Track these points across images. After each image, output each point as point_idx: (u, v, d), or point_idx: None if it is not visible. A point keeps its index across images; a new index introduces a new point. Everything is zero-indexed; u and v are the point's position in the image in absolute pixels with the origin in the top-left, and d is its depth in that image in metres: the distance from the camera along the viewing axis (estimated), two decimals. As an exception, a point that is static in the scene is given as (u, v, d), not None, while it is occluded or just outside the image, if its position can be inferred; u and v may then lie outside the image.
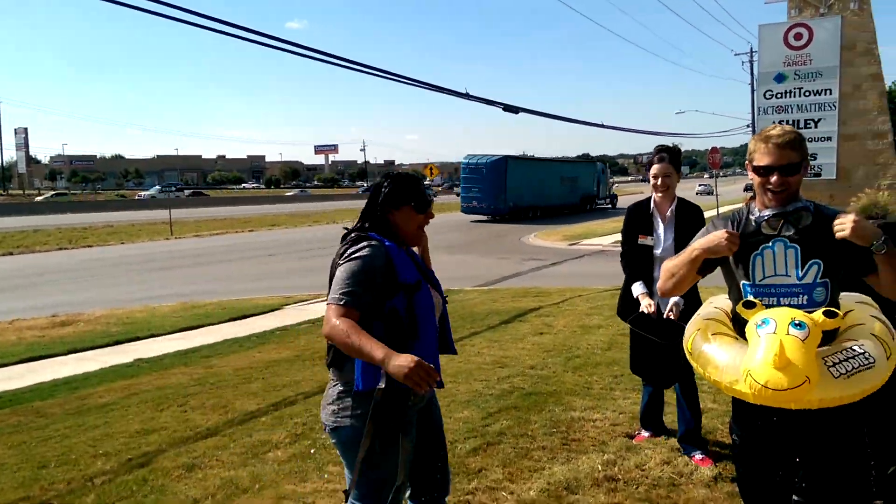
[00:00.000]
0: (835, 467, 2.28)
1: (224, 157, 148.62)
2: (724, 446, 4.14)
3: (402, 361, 2.03)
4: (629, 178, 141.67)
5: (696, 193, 54.61)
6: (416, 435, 2.47)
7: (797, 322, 2.09)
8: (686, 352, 2.48)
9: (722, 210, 25.01)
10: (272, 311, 10.28)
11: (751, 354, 2.14)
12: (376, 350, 2.10)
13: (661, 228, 3.93)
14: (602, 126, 17.69)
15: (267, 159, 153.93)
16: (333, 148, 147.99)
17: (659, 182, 3.90)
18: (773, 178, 2.26)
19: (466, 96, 12.12)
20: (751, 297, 2.31)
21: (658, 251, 3.90)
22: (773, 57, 12.49)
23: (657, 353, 3.88)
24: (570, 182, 39.55)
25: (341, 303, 2.25)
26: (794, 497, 2.35)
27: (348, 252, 2.37)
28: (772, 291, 2.31)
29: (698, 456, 3.98)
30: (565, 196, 38.92)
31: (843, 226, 2.15)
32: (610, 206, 43.80)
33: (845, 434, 2.28)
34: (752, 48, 33.66)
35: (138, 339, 8.46)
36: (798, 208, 2.30)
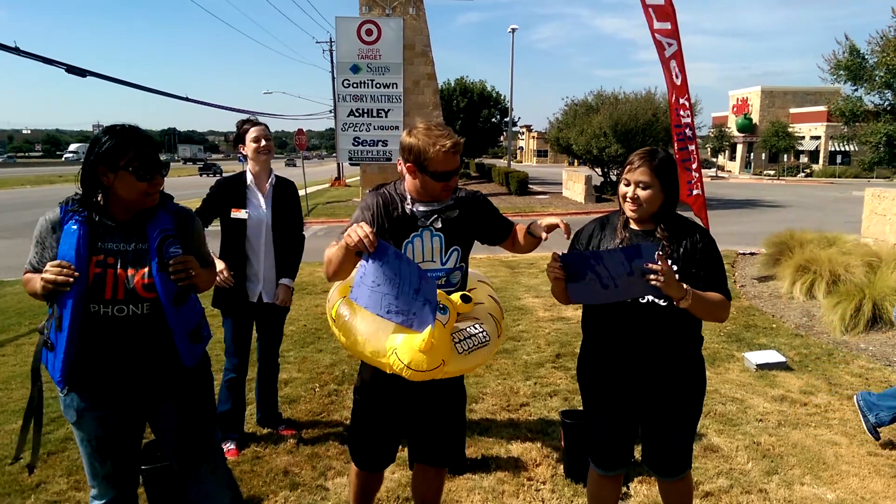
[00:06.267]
0: (441, 422, 2.68)
1: None
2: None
3: None
4: (221, 156, 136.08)
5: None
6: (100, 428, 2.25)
7: (441, 306, 2.26)
8: (329, 318, 2.54)
9: (311, 189, 26.29)
10: None
11: (398, 333, 2.26)
12: None
13: (262, 202, 3.82)
14: (187, 100, 16.82)
15: None
16: None
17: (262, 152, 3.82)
18: (443, 185, 2.44)
19: (17, 51, 10.29)
20: None
21: (258, 224, 3.81)
22: (349, 48, 13.56)
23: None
24: None
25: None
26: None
27: None
28: None
29: (282, 428, 4.15)
30: None
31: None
32: None
33: (451, 396, 2.67)
34: (331, 38, 35.84)
35: None
36: (448, 206, 2.54)
